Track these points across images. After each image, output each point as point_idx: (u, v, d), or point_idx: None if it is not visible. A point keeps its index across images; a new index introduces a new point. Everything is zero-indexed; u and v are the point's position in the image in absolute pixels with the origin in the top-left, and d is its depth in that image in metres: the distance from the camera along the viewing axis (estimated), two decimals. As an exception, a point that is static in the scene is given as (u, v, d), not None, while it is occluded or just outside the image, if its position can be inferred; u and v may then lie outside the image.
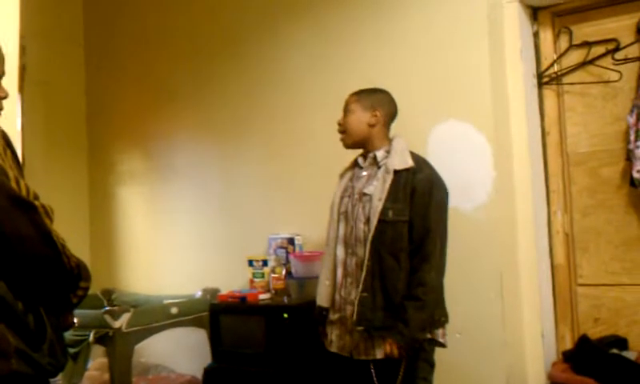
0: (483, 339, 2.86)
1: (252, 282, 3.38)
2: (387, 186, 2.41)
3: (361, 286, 2.40)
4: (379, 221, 2.39)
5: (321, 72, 3.45)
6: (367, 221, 2.44)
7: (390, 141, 2.57)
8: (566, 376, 2.74)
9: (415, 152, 2.53)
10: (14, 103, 4.12)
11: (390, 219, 2.39)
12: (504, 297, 2.83)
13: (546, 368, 2.89)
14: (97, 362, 3.75)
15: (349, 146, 2.61)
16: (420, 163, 2.49)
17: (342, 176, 2.69)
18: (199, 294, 3.66)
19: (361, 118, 2.55)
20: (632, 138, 2.75)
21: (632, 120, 2.76)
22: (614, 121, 2.91)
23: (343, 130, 2.59)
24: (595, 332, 2.91)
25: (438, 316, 2.44)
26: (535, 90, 3.09)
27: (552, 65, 3.06)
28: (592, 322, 2.96)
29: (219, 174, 3.93)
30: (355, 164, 2.64)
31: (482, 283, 2.87)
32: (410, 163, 2.45)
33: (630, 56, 2.86)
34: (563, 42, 3.04)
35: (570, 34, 3.01)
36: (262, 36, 3.73)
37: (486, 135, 2.90)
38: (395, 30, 3.18)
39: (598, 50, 2.94)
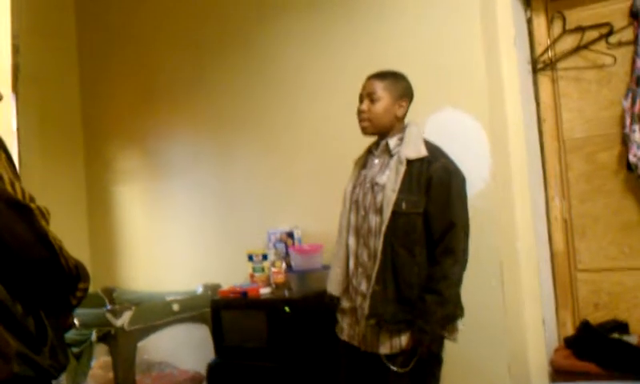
0: (485, 327, 2.86)
1: (252, 276, 3.38)
2: (400, 176, 2.29)
3: (373, 278, 2.30)
4: (392, 212, 2.28)
5: (317, 64, 3.45)
6: (379, 211, 2.32)
7: (403, 127, 2.43)
8: (569, 362, 2.76)
9: (430, 140, 2.42)
10: (8, 103, 4.13)
11: (403, 211, 2.27)
12: (504, 284, 2.83)
13: (548, 354, 2.90)
14: (100, 360, 3.76)
15: (369, 134, 2.45)
16: (435, 152, 2.35)
17: (356, 163, 2.56)
18: (200, 289, 3.67)
19: (389, 108, 2.38)
20: (627, 122, 2.75)
21: (627, 104, 2.76)
22: (609, 105, 2.91)
23: (369, 117, 2.39)
24: (596, 317, 2.92)
25: (455, 311, 2.35)
26: (530, 77, 3.09)
27: (546, 51, 3.06)
28: (592, 307, 2.97)
29: (217, 168, 3.93)
30: (369, 151, 2.52)
31: (483, 271, 2.86)
32: (423, 152, 2.32)
33: (623, 40, 2.86)
34: (557, 28, 3.04)
35: (564, 19, 3.00)
36: (257, 29, 3.71)
37: (481, 123, 2.89)
38: (390, 19, 3.17)
39: (592, 34, 2.94)
